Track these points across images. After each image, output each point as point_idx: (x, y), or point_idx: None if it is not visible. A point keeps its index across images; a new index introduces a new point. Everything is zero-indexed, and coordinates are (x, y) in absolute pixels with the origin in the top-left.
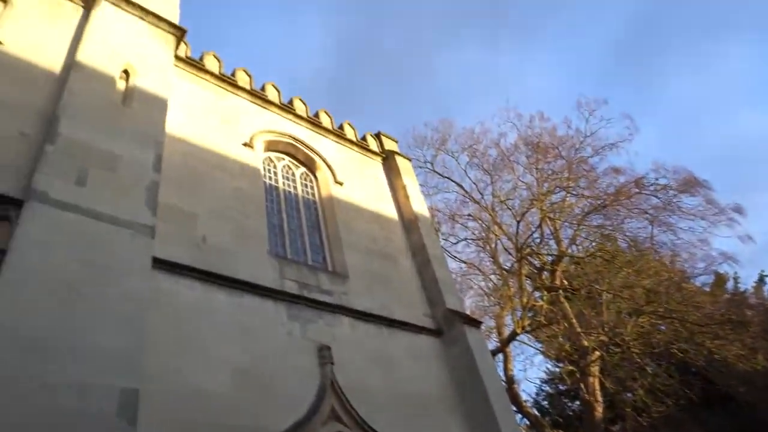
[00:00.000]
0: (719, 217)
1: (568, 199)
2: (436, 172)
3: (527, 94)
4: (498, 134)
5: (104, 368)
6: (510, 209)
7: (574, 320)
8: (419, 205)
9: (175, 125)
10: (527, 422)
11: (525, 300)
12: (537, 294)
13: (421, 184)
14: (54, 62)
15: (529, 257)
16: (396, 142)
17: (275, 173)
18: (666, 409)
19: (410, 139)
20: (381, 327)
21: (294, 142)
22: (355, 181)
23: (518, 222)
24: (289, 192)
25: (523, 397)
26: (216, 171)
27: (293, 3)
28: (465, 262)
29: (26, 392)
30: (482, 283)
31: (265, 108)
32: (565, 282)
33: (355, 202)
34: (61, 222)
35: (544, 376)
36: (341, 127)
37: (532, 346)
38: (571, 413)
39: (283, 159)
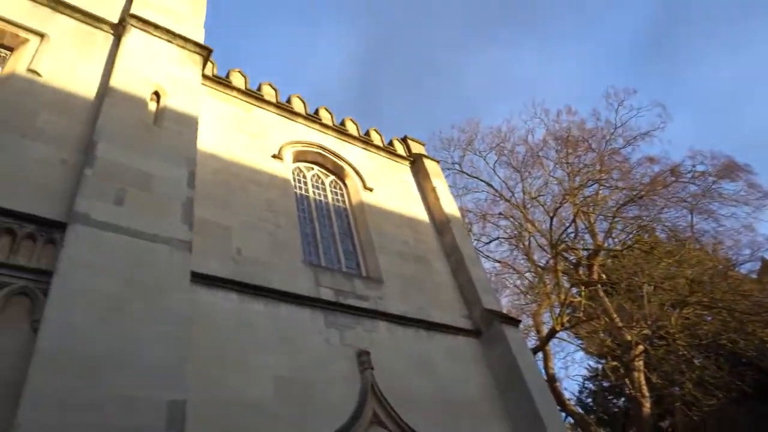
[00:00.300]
0: (763, 201)
1: (601, 191)
2: (465, 173)
3: (553, 90)
4: (525, 131)
5: (151, 382)
6: (542, 205)
7: (614, 315)
8: (450, 206)
9: (206, 141)
10: (571, 421)
11: (562, 296)
12: (574, 290)
13: (450, 186)
14: (89, 89)
15: (564, 253)
16: (423, 145)
17: (305, 183)
18: (717, 402)
19: (437, 142)
20: (419, 330)
21: (322, 152)
22: (385, 186)
23: (551, 218)
24: (320, 200)
25: (566, 395)
26: (247, 184)
27: (313, 15)
28: (499, 261)
29: (75, 410)
30: (517, 282)
31: (291, 120)
32: (603, 276)
33: (385, 207)
34: (103, 242)
35: (586, 373)
36: (367, 134)
37: (572, 343)
38: (616, 410)
39: (312, 168)
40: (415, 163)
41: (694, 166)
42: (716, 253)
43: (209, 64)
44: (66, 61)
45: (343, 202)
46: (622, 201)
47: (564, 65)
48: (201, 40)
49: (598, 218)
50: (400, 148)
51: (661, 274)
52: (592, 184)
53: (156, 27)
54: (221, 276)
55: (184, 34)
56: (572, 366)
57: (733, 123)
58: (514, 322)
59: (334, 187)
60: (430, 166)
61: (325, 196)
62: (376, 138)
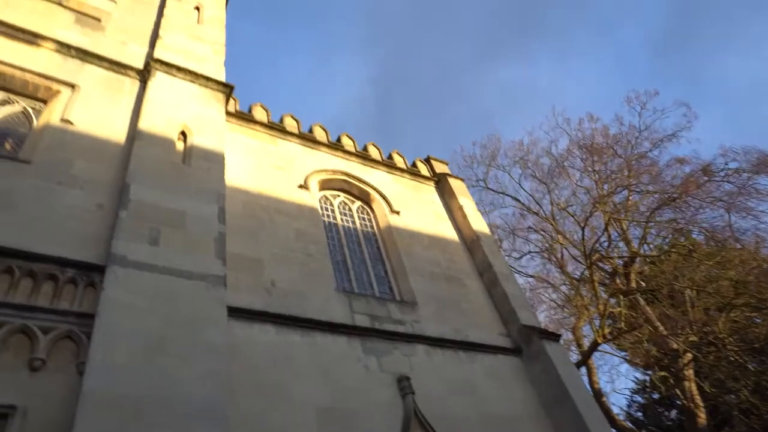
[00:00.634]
0: None
1: (631, 197)
2: (490, 189)
3: (572, 99)
4: (548, 142)
5: (195, 420)
6: (572, 216)
7: (657, 323)
8: (479, 224)
9: (233, 176)
10: None
11: (601, 307)
12: (613, 300)
13: (476, 203)
14: (119, 134)
15: (599, 263)
16: (446, 164)
17: (332, 210)
18: None
19: (460, 160)
20: (457, 351)
21: (347, 178)
22: (412, 208)
23: (582, 228)
24: (348, 227)
25: (615, 410)
26: (276, 215)
27: (328, 43)
28: (532, 276)
29: None
30: (553, 296)
31: (315, 149)
32: (642, 283)
33: (413, 228)
34: (141, 282)
35: (633, 385)
36: (390, 157)
37: (616, 355)
38: (669, 423)
39: (339, 196)
40: (440, 182)
41: (726, 163)
42: (759, 251)
43: (231, 101)
44: (96, 108)
45: (372, 226)
46: (654, 205)
47: (581, 74)
48: (222, 78)
49: (630, 225)
50: (423, 169)
51: (703, 277)
52: (621, 191)
53: (179, 69)
54: (257, 309)
55: (206, 73)
56: (618, 379)
57: (763, 116)
58: (554, 336)
59: (362, 213)
60: (455, 184)
61: (353, 222)
62: (399, 161)
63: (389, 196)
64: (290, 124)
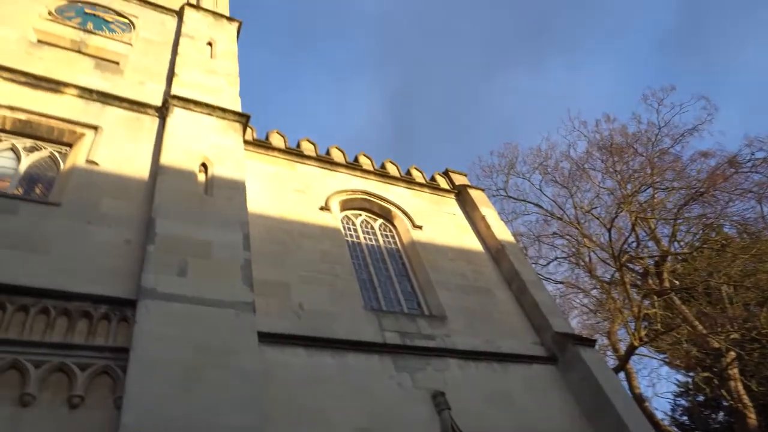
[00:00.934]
0: None
1: (657, 195)
2: (511, 197)
3: (587, 102)
4: (566, 146)
5: None
6: (597, 218)
7: (695, 322)
8: (503, 233)
9: (255, 203)
10: None
11: (635, 310)
12: (647, 301)
13: (498, 212)
14: (143, 170)
15: (628, 264)
16: (465, 175)
17: (355, 230)
18: None
19: (478, 170)
20: (491, 363)
21: (367, 197)
22: (434, 222)
23: (609, 229)
24: (372, 245)
25: (658, 415)
26: (300, 239)
27: (341, 67)
28: (561, 282)
29: None
30: (584, 300)
31: (333, 170)
32: (676, 282)
33: (437, 242)
34: (172, 313)
35: (675, 388)
36: (409, 173)
37: (654, 358)
38: (717, 426)
39: (360, 215)
40: (460, 194)
41: (753, 153)
42: None
43: (249, 129)
44: (119, 147)
45: (395, 243)
46: (681, 201)
47: (594, 77)
48: (238, 108)
49: (658, 223)
50: (443, 183)
51: (739, 271)
52: (645, 189)
53: (196, 103)
54: (287, 333)
55: (222, 105)
56: (659, 382)
57: None
58: (589, 342)
59: (384, 230)
60: (476, 195)
61: (377, 240)
62: (417, 176)
63: (410, 211)
64: (307, 147)
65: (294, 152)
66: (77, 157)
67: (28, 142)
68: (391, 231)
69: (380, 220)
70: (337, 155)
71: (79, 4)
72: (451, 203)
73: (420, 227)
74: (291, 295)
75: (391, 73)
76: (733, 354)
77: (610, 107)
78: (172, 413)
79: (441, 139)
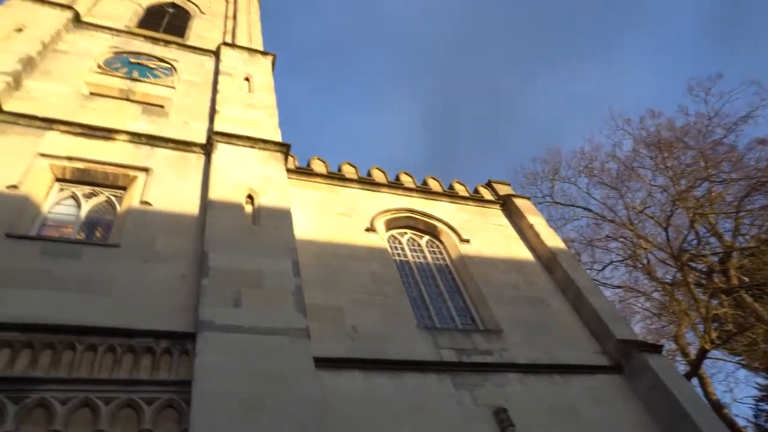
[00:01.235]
0: None
1: (714, 188)
2: (558, 203)
3: (628, 100)
4: (611, 145)
5: None
6: (651, 218)
7: None
8: (552, 240)
9: (301, 229)
10: None
11: (703, 311)
12: (715, 301)
13: (546, 219)
14: (192, 206)
15: (690, 263)
16: (508, 185)
17: (402, 248)
18: None
19: (522, 179)
20: (552, 375)
21: (411, 215)
22: (481, 235)
23: (665, 228)
24: (420, 262)
25: (740, 422)
26: (347, 261)
27: (375, 88)
28: (620, 287)
29: None
30: (646, 304)
31: (376, 191)
32: (744, 279)
33: (486, 255)
34: (230, 344)
35: (756, 392)
36: (451, 187)
37: (729, 361)
38: None
39: (406, 233)
40: (506, 204)
41: None
42: None
43: (290, 158)
44: (169, 186)
45: (443, 259)
46: (742, 193)
47: (633, 73)
48: (279, 139)
49: (719, 218)
50: (486, 194)
51: None
52: (701, 183)
53: (238, 137)
54: (342, 356)
55: (263, 137)
56: (737, 387)
57: None
58: (656, 348)
59: (431, 247)
60: (522, 204)
61: (424, 257)
62: (460, 189)
63: (456, 225)
64: (349, 171)
65: (336, 176)
66: (132, 199)
67: (87, 189)
68: (438, 247)
69: (426, 237)
70: (378, 176)
71: (125, 55)
72: (497, 214)
73: (467, 241)
74: (344, 319)
75: (426, 88)
76: None
77: (653, 102)
78: None
79: (481, 150)
